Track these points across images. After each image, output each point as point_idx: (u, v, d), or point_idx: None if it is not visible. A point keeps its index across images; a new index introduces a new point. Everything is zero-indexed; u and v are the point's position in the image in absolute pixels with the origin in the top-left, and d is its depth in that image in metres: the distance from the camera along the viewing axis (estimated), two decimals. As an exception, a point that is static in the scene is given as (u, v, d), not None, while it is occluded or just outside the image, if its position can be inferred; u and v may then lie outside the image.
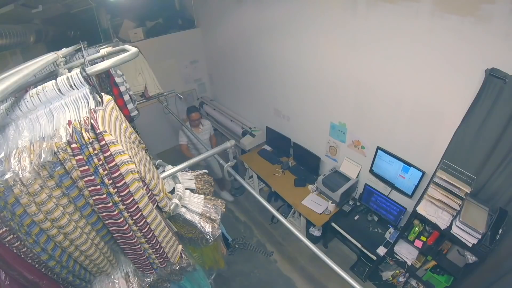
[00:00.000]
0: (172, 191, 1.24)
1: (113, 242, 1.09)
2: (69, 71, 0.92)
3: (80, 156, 0.81)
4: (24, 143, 0.81)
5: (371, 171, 2.72)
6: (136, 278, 1.22)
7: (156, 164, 1.43)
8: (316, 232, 3.20)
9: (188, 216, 1.23)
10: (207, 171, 1.53)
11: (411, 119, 2.23)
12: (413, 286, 2.48)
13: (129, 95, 2.08)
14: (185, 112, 3.40)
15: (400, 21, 2.00)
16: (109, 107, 0.90)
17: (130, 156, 0.89)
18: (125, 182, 0.88)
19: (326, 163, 3.27)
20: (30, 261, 0.93)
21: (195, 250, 1.52)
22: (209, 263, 1.71)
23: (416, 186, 2.38)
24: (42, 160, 0.77)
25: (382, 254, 2.49)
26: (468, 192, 1.86)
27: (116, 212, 0.91)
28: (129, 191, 0.90)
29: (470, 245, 1.80)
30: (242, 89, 4.27)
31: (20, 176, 0.76)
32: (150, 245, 1.06)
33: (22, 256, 0.91)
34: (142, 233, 1.00)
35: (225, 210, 1.36)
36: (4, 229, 0.84)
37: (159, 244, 1.08)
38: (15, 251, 0.88)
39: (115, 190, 0.88)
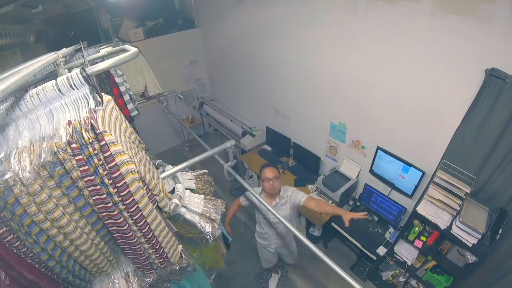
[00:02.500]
0: (172, 191, 1.24)
1: (113, 242, 1.09)
2: (69, 71, 0.92)
3: (80, 156, 0.80)
4: (24, 143, 0.81)
5: (371, 171, 2.72)
6: (136, 278, 1.22)
7: (156, 164, 1.43)
8: (316, 232, 3.20)
9: (188, 216, 1.23)
10: (207, 171, 1.53)
11: (411, 119, 2.23)
12: (413, 286, 2.47)
13: (129, 95, 2.08)
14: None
15: (400, 21, 2.00)
16: (109, 107, 0.89)
17: (130, 156, 0.89)
18: (125, 182, 0.87)
19: (326, 163, 3.27)
20: (30, 261, 0.93)
21: (195, 250, 1.52)
22: (209, 263, 1.71)
23: (416, 186, 2.38)
24: (42, 160, 0.77)
25: (382, 254, 2.49)
26: (468, 192, 1.86)
27: (116, 212, 0.91)
28: (129, 191, 0.89)
29: (470, 245, 1.80)
30: (242, 89, 4.26)
31: (20, 176, 0.76)
32: (150, 245, 1.06)
33: (22, 256, 0.91)
34: (142, 233, 1.00)
35: (225, 210, 1.36)
36: (4, 229, 0.84)
37: (159, 244, 1.08)
38: (15, 251, 0.88)
39: (115, 190, 0.88)
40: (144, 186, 0.96)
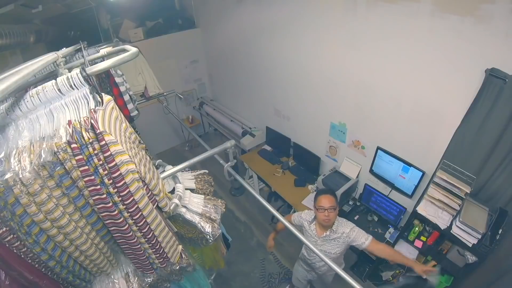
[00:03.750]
0: (172, 191, 1.24)
1: (113, 242, 1.09)
2: (69, 71, 0.92)
3: (80, 156, 0.80)
4: (24, 143, 0.81)
5: (371, 171, 2.72)
6: (136, 278, 1.22)
7: (156, 164, 1.42)
8: (316, 232, 3.19)
9: (188, 216, 1.23)
10: (207, 171, 1.53)
11: (411, 119, 2.23)
12: (413, 286, 2.48)
13: (129, 95, 2.08)
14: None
15: (400, 21, 2.00)
16: (109, 107, 0.89)
17: (130, 156, 0.89)
18: (125, 182, 0.87)
19: (326, 163, 3.27)
20: (30, 261, 0.93)
21: (195, 250, 1.52)
22: (209, 263, 1.71)
23: (416, 186, 2.38)
24: (42, 160, 0.77)
25: (382, 254, 2.49)
26: (468, 192, 1.86)
27: (116, 212, 0.91)
28: (129, 191, 0.89)
29: (470, 245, 1.80)
30: (242, 89, 4.27)
31: (20, 176, 0.76)
32: (150, 245, 1.06)
33: (22, 256, 0.91)
34: (142, 233, 1.00)
35: (225, 210, 1.36)
36: (4, 229, 0.84)
37: (159, 244, 1.08)
38: (15, 251, 0.88)
39: (115, 190, 0.88)
40: (144, 186, 0.96)
